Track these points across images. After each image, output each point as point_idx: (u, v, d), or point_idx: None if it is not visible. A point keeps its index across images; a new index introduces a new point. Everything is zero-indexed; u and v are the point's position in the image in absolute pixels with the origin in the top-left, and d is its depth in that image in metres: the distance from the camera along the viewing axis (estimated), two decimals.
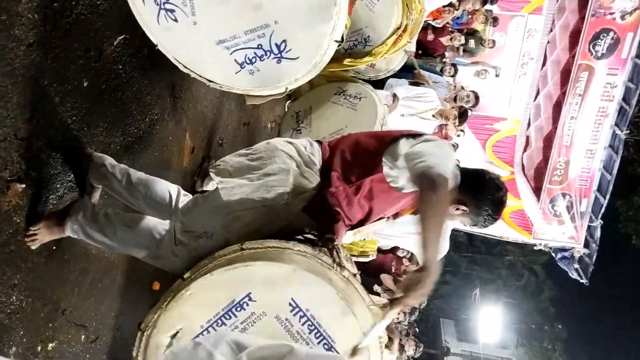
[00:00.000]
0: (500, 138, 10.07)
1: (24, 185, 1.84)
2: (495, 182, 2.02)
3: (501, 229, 10.02)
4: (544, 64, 8.87)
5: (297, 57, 1.96)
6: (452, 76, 5.70)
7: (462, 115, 4.92)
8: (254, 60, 2.02)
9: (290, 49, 1.95)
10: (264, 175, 1.81)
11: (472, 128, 9.74)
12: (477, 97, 5.17)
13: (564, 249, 9.05)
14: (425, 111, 4.57)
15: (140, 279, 2.81)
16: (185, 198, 2.09)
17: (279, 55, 1.97)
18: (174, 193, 2.08)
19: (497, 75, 8.52)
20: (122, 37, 2.27)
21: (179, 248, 1.89)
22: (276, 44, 1.94)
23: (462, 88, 5.80)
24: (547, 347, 19.22)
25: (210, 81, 2.21)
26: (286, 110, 3.36)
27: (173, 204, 2.04)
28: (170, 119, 2.83)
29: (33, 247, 1.91)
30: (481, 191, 1.98)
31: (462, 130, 8.44)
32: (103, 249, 2.26)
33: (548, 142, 8.67)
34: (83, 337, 2.37)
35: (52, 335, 2.14)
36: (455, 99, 5.06)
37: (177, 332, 1.65)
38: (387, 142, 1.91)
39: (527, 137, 9.77)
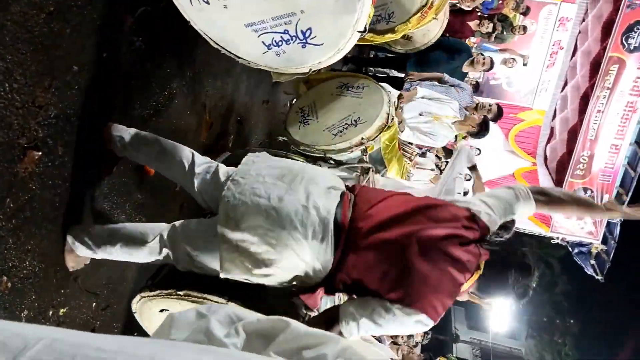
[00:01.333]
0: (524, 128, 9.93)
1: (40, 153, 1.86)
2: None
3: (519, 220, 9.95)
4: (573, 54, 8.67)
5: (322, 44, 2.03)
6: (487, 70, 5.54)
7: (482, 127, 4.83)
8: (280, 43, 2.09)
9: (315, 36, 2.00)
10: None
11: None
12: (499, 110, 5.04)
13: (581, 244, 8.95)
14: (446, 117, 4.52)
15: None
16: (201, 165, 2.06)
17: (304, 41, 2.03)
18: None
19: (524, 64, 8.34)
20: (143, 8, 2.26)
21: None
22: (302, 31, 1.99)
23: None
24: (557, 340, 19.13)
25: (239, 57, 2.28)
26: (289, 107, 3.35)
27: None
28: (190, 94, 2.83)
29: None
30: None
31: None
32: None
33: (573, 134, 8.51)
34: (94, 304, 2.42)
35: (64, 301, 2.18)
36: (476, 108, 4.95)
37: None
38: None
39: (552, 129, 9.62)
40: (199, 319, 1.01)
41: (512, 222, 3.31)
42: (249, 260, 1.72)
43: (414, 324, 1.63)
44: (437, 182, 6.81)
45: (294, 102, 3.38)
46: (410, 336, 5.69)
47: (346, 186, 1.90)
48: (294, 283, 1.80)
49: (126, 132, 2.11)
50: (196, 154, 2.04)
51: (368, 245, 1.66)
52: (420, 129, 4.50)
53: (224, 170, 1.95)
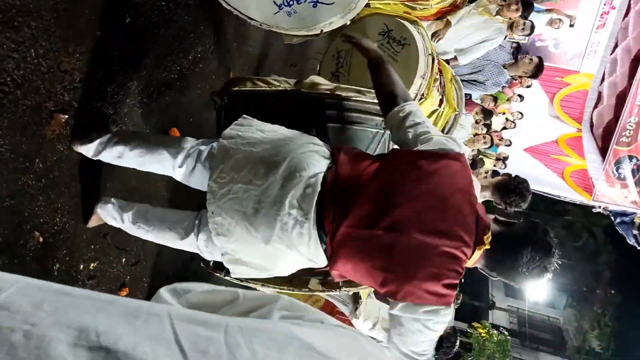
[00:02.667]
0: (570, 92, 9.54)
1: (66, 116, 1.95)
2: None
3: (560, 188, 9.70)
4: (626, 14, 8.18)
5: (332, 3, 2.02)
6: (528, 34, 5.30)
7: (538, 67, 4.73)
8: (291, 2, 2.10)
9: None
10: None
11: (541, 80, 9.24)
12: (539, 66, 4.85)
13: (624, 214, 8.66)
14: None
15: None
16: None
17: (315, 0, 2.03)
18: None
19: (571, 25, 7.95)
20: None
21: None
22: None
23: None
24: (597, 311, 18.81)
25: (251, 19, 2.30)
26: (326, 51, 3.22)
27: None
28: (214, 58, 2.86)
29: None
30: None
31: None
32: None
33: (620, 100, 8.11)
34: (124, 260, 2.55)
35: (94, 256, 2.31)
36: (516, 62, 4.81)
37: None
38: None
39: (600, 93, 9.20)
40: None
41: (527, 188, 3.21)
42: (249, 268, 1.74)
43: (433, 317, 1.50)
44: (472, 145, 6.68)
45: (331, 45, 3.20)
46: None
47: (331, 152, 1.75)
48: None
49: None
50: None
51: (352, 244, 1.56)
52: (477, 41, 4.39)
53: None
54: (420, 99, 2.85)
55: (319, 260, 1.67)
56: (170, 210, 2.04)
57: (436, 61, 3.00)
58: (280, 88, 2.05)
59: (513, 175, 3.32)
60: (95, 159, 2.00)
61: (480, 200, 3.19)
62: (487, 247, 1.56)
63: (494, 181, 3.35)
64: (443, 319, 1.51)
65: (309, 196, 1.58)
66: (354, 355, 0.91)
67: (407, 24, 2.95)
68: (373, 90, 1.92)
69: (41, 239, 1.96)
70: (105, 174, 2.24)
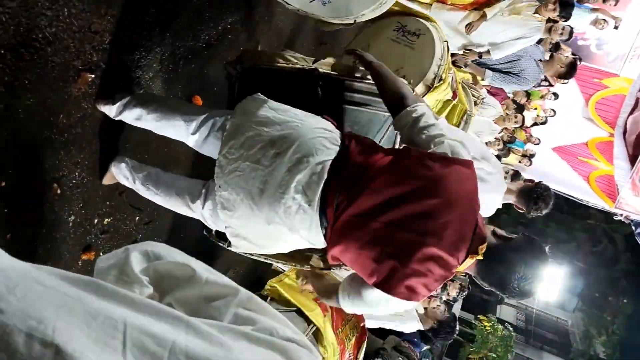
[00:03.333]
0: (606, 95, 9.30)
1: (93, 75, 2.01)
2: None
3: (583, 192, 9.55)
4: None
5: None
6: (566, 39, 5.07)
7: (571, 67, 4.64)
8: None
9: None
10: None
11: (579, 80, 9.05)
12: (573, 66, 4.73)
13: None
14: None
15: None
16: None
17: None
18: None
19: (616, 27, 7.69)
20: None
21: None
22: None
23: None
24: (606, 317, 18.62)
25: (288, 4, 2.35)
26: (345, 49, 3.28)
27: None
28: (244, 30, 2.89)
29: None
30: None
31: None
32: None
33: None
34: (137, 218, 2.64)
35: (109, 212, 2.40)
36: (551, 59, 4.70)
37: None
38: None
39: (637, 99, 8.96)
40: (122, 254, 1.13)
41: (550, 195, 3.18)
42: (250, 243, 1.79)
43: (397, 304, 1.58)
44: (502, 124, 6.53)
45: (350, 44, 3.30)
46: (444, 289, 5.72)
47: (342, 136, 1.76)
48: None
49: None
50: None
51: (349, 232, 1.59)
52: (513, 37, 4.33)
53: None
54: (439, 80, 2.88)
55: (318, 243, 1.71)
56: (180, 177, 2.09)
57: (449, 50, 3.01)
58: (298, 66, 2.06)
59: (537, 182, 3.30)
60: (116, 119, 2.06)
61: (501, 203, 3.19)
62: (480, 257, 1.58)
63: (519, 187, 3.33)
64: (396, 307, 1.60)
65: (315, 183, 1.60)
66: None
67: (420, 19, 3.03)
68: None
69: (59, 191, 2.05)
70: (126, 134, 2.30)
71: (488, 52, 4.34)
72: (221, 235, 1.97)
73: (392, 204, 1.54)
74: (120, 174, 2.13)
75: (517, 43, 4.30)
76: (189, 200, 1.92)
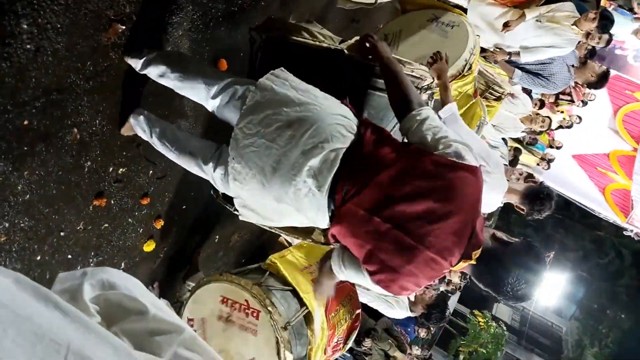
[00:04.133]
0: (636, 109, 9.12)
1: (124, 27, 2.04)
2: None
3: (597, 203, 9.46)
4: None
5: None
6: (604, 46, 4.94)
7: (602, 77, 4.56)
8: None
9: None
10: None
11: (610, 89, 8.88)
12: (605, 76, 4.63)
13: None
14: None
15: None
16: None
17: None
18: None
19: None
20: None
21: None
22: None
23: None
24: (601, 330, 18.61)
25: None
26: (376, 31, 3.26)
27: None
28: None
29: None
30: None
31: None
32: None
33: None
34: (151, 172, 2.70)
35: (124, 162, 2.46)
36: (584, 65, 4.62)
37: None
38: None
39: None
40: (79, 277, 1.15)
41: (553, 199, 3.16)
42: (257, 215, 1.84)
43: (382, 291, 1.67)
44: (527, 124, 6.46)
45: (381, 26, 3.30)
46: (442, 280, 5.79)
47: (358, 122, 1.77)
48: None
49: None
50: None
51: (350, 220, 1.62)
52: (533, 70, 4.28)
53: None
54: (469, 69, 2.88)
55: (322, 224, 1.75)
56: (196, 137, 2.13)
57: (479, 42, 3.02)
58: (325, 45, 2.05)
59: (540, 183, 3.26)
60: (141, 73, 2.09)
61: (503, 202, 3.17)
62: (473, 262, 1.61)
63: (523, 188, 3.29)
64: (383, 292, 1.68)
65: (327, 170, 1.62)
66: None
67: (454, 13, 3.06)
68: (412, 62, 1.93)
69: (78, 136, 2.10)
70: (149, 89, 2.33)
71: (518, 54, 4.27)
72: (228, 198, 2.01)
73: (393, 201, 1.56)
74: (138, 125, 2.17)
75: (548, 51, 4.23)
76: (202, 162, 1.95)
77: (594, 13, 4.10)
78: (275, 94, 1.73)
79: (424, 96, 2.32)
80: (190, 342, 1.04)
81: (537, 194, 3.08)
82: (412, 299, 4.72)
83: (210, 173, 1.93)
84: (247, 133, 1.70)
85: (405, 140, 1.74)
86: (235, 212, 1.98)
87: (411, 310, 4.89)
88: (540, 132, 7.44)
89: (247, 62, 2.39)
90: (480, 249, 1.60)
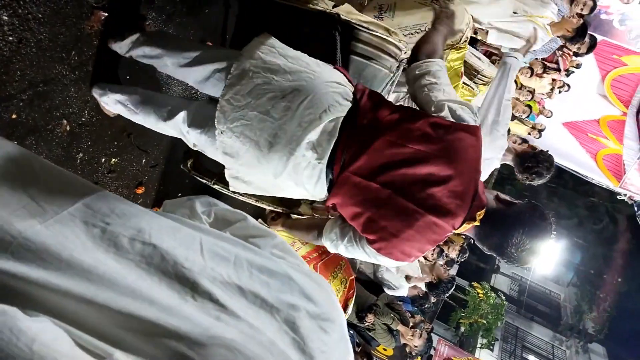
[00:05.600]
0: (624, 73, 9.14)
1: (106, 14, 2.01)
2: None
3: (590, 169, 9.51)
4: None
5: None
6: (587, 13, 4.89)
7: (578, 32, 4.50)
8: None
9: None
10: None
11: (597, 55, 8.88)
12: (583, 29, 4.56)
13: None
14: (541, 17, 4.21)
15: None
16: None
17: None
18: None
19: None
20: None
21: None
22: None
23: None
24: (599, 294, 18.90)
25: None
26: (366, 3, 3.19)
27: None
28: None
29: None
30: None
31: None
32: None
33: None
34: (144, 161, 2.68)
35: (116, 152, 2.44)
36: (562, 19, 4.57)
37: None
38: None
39: None
40: (187, 200, 1.29)
41: (549, 168, 3.16)
42: (249, 186, 1.77)
43: (384, 259, 1.64)
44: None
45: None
46: (441, 253, 5.83)
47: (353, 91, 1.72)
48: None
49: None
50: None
51: (349, 188, 1.61)
52: (512, 31, 4.24)
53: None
54: (464, 41, 2.88)
55: (320, 196, 1.72)
56: (161, 94, 2.07)
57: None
58: (319, 8, 1.97)
59: (540, 149, 3.23)
60: (127, 56, 2.05)
61: (500, 163, 3.17)
62: (477, 224, 1.59)
63: (520, 149, 3.28)
64: (386, 262, 1.65)
65: (326, 141, 1.59)
66: (335, 308, 1.06)
67: None
68: (397, 33, 1.92)
69: (68, 128, 2.08)
70: (137, 73, 2.31)
71: (486, 32, 4.22)
72: (202, 171, 2.00)
73: (392, 166, 1.54)
74: (101, 99, 2.08)
75: (515, 40, 4.20)
76: (166, 116, 1.85)
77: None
78: (264, 62, 1.64)
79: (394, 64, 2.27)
80: (281, 246, 1.16)
81: (531, 158, 3.08)
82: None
83: (177, 127, 1.83)
84: (236, 105, 1.61)
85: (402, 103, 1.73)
86: (214, 186, 1.96)
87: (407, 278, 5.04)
88: (529, 101, 7.47)
89: (234, 45, 2.37)
90: (484, 210, 1.58)
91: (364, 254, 1.67)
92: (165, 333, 0.81)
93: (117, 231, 0.94)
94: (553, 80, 8.36)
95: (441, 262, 6.05)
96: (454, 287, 5.02)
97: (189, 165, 2.18)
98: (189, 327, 0.83)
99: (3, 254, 0.83)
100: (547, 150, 3.25)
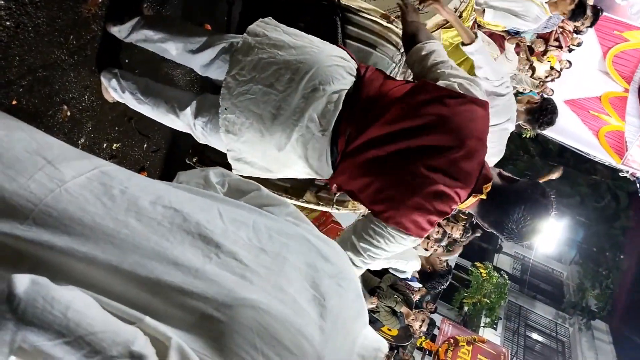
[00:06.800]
0: (626, 49, 9.06)
1: None
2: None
3: (592, 146, 9.49)
4: None
5: None
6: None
7: (577, 6, 4.44)
8: None
9: None
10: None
11: (598, 31, 8.80)
12: (581, 5, 4.49)
13: None
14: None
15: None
16: None
17: None
18: None
19: None
20: None
21: None
22: None
23: None
24: (601, 272, 18.93)
25: None
26: None
27: None
28: None
29: None
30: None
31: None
32: None
33: None
34: (145, 145, 2.68)
35: (118, 137, 2.44)
36: None
37: None
38: None
39: None
40: (200, 172, 1.27)
41: (550, 102, 3.18)
42: (253, 168, 1.77)
43: (402, 239, 1.59)
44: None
45: None
46: (444, 234, 5.83)
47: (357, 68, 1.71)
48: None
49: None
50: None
51: (355, 161, 1.61)
52: (510, 9, 4.20)
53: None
54: (460, 17, 2.84)
55: (325, 173, 1.72)
56: (172, 88, 2.05)
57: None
58: None
59: (540, 99, 3.28)
60: (126, 41, 2.03)
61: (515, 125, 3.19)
62: (483, 197, 1.59)
63: (525, 108, 3.32)
64: (403, 243, 1.60)
65: (330, 113, 1.59)
66: (350, 269, 1.08)
67: None
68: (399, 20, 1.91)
69: (69, 113, 2.07)
70: (137, 57, 2.30)
71: (483, 11, 4.17)
72: (205, 162, 1.99)
73: (401, 136, 1.54)
74: (109, 86, 2.07)
75: (511, 19, 4.17)
76: (176, 108, 1.86)
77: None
78: (268, 38, 1.65)
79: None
80: (295, 214, 1.16)
81: (541, 108, 3.13)
82: (425, 253, 4.77)
83: (187, 120, 1.85)
84: (241, 80, 1.62)
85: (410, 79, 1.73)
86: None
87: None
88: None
89: (233, 28, 2.36)
90: (490, 183, 1.59)
91: (385, 250, 1.61)
92: (192, 296, 0.82)
93: (136, 194, 0.95)
94: (552, 68, 8.31)
95: (444, 242, 6.07)
96: (448, 280, 4.76)
97: (193, 160, 2.19)
98: (215, 289, 0.84)
99: (25, 221, 0.83)
100: (545, 97, 3.32)
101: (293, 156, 1.68)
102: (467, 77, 1.62)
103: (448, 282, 4.69)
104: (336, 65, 1.64)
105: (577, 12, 4.40)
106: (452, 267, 7.53)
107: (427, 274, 4.79)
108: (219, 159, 1.95)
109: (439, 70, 1.63)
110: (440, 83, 1.60)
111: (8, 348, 0.67)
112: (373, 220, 1.60)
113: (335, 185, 1.71)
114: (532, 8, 4.12)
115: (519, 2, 4.12)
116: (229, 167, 1.74)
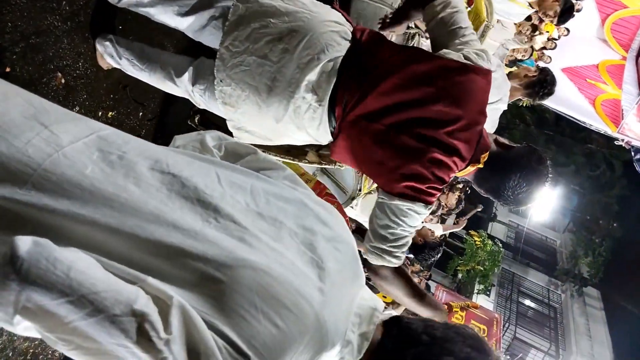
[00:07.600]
0: (624, 16, 8.97)
1: None
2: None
3: (588, 115, 9.47)
4: None
5: None
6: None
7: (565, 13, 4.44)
8: None
9: None
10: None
11: None
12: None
13: None
14: None
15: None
16: None
17: None
18: None
19: None
20: None
21: None
22: None
23: None
24: (595, 240, 19.14)
25: None
26: None
27: None
28: None
29: None
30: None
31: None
32: None
33: None
34: (141, 114, 2.67)
35: (113, 105, 2.43)
36: None
37: None
38: None
39: None
40: (197, 135, 1.26)
41: (548, 73, 3.19)
42: (253, 136, 1.76)
43: (416, 207, 1.58)
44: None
45: None
46: (439, 205, 5.85)
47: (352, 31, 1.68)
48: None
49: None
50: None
51: (354, 132, 1.61)
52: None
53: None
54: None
55: (324, 141, 1.73)
56: (169, 53, 2.03)
57: None
58: None
59: (537, 70, 3.29)
60: (119, 5, 1.99)
61: (510, 101, 3.20)
62: (481, 166, 1.62)
63: (523, 82, 3.32)
64: (418, 213, 1.59)
65: (325, 82, 1.57)
66: (347, 232, 1.11)
67: None
68: None
69: (63, 80, 2.06)
70: (129, 24, 2.27)
71: None
72: (208, 126, 1.98)
73: (399, 108, 1.54)
74: (105, 52, 2.04)
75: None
76: (173, 74, 1.84)
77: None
78: (260, 5, 1.62)
79: None
80: (291, 177, 1.18)
81: (540, 80, 3.15)
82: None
83: (185, 86, 1.83)
84: (235, 51, 1.60)
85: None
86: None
87: None
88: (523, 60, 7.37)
89: None
90: (488, 152, 1.60)
91: (404, 215, 1.60)
92: (193, 257, 0.84)
93: (134, 160, 0.94)
94: (550, 39, 8.19)
95: (439, 212, 6.09)
96: (438, 255, 4.68)
97: (196, 121, 2.18)
98: (214, 250, 0.86)
99: (24, 186, 0.84)
100: (542, 67, 3.32)
101: (291, 126, 1.68)
102: (477, 48, 1.60)
103: (439, 254, 4.66)
104: (331, 31, 1.61)
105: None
106: (447, 235, 7.56)
107: (418, 246, 4.77)
108: (220, 121, 1.95)
109: (456, 40, 1.61)
110: (446, 51, 1.59)
111: (13, 308, 0.69)
112: (380, 197, 1.62)
113: (335, 152, 1.71)
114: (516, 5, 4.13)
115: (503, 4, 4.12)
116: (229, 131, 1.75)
